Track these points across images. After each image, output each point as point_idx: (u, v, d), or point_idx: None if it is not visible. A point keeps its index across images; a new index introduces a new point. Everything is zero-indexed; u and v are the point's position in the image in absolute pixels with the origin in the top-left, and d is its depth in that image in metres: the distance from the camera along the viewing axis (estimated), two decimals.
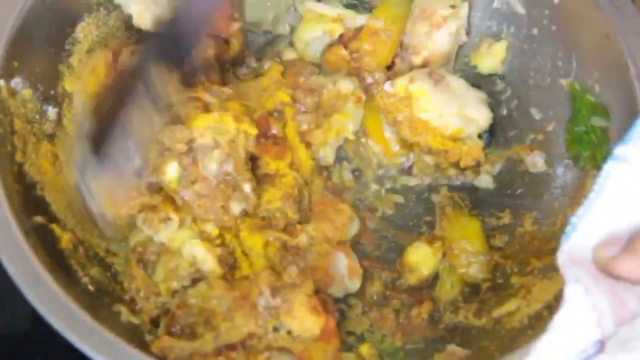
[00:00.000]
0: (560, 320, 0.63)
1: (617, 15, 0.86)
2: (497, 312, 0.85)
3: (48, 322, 0.70)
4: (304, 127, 0.97)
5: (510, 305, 0.84)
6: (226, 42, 1.02)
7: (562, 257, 0.66)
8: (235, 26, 1.03)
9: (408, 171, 1.04)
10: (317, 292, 0.81)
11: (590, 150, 0.89)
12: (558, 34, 0.96)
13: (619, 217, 0.65)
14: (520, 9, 1.01)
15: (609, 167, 0.66)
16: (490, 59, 1.05)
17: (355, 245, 0.96)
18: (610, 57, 0.86)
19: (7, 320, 0.99)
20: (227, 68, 1.04)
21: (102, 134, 0.83)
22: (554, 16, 0.96)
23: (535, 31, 1.00)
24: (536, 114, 0.99)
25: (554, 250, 0.68)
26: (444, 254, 0.94)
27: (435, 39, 1.03)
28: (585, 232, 0.65)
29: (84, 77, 0.91)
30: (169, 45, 0.85)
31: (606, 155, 0.84)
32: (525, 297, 0.84)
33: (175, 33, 0.86)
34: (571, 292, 0.64)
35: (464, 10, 1.04)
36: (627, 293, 0.63)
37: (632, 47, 0.84)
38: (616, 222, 0.65)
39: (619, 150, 0.66)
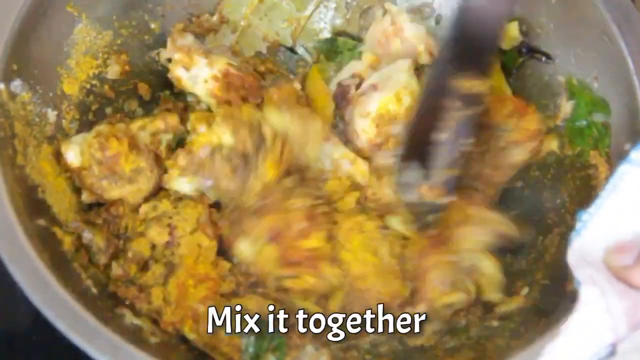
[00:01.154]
0: (574, 322, 0.64)
1: (614, 12, 0.86)
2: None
3: (54, 325, 0.71)
4: None
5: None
6: None
7: (573, 255, 0.66)
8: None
9: None
10: None
11: (593, 144, 0.89)
12: (556, 31, 0.96)
13: (631, 221, 0.65)
14: (516, 8, 1.01)
15: (623, 169, 0.66)
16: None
17: None
18: (609, 55, 0.87)
19: (7, 320, 0.99)
20: None
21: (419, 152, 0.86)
22: (551, 14, 0.96)
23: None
24: None
25: None
26: None
27: None
28: (596, 231, 0.66)
29: None
30: (469, 51, 0.85)
31: (608, 147, 0.86)
32: None
33: (474, 38, 0.84)
34: (587, 294, 0.64)
35: None
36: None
37: (630, 44, 0.84)
38: (629, 226, 0.65)
39: (634, 154, 0.66)
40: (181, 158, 0.89)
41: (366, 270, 0.89)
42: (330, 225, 0.90)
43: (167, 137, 0.95)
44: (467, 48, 0.84)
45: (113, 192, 0.89)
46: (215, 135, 0.89)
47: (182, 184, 0.90)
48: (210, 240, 0.88)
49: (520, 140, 0.93)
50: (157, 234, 0.87)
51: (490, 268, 0.89)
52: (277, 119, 0.90)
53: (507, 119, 0.93)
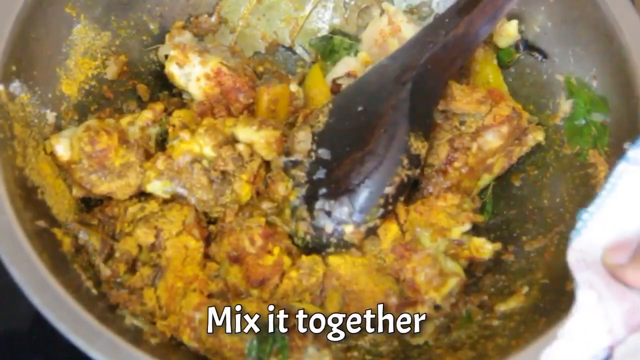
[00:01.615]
0: (571, 326, 0.64)
1: (613, 11, 0.86)
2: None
3: (55, 327, 0.70)
4: None
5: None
6: None
7: (574, 255, 0.66)
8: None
9: None
10: None
11: (592, 143, 0.90)
12: (554, 30, 0.96)
13: (629, 219, 0.65)
14: (514, 6, 1.01)
15: (620, 167, 0.66)
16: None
17: None
18: (607, 53, 0.87)
19: (7, 320, 0.99)
20: None
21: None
22: (550, 13, 0.96)
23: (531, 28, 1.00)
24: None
25: None
26: None
27: None
28: (596, 230, 0.66)
29: None
30: (418, 105, 0.89)
31: (607, 146, 0.87)
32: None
33: (423, 92, 0.90)
34: (584, 299, 0.64)
35: None
36: (639, 298, 0.64)
37: (629, 43, 0.84)
38: (626, 224, 0.65)
39: (631, 153, 0.66)
40: (160, 162, 0.89)
41: (356, 271, 0.89)
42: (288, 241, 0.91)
43: (155, 131, 0.94)
44: (419, 103, 0.89)
45: (102, 186, 0.88)
46: (197, 145, 0.89)
47: (155, 187, 0.90)
48: (197, 241, 0.88)
49: (491, 125, 0.93)
50: (144, 234, 0.87)
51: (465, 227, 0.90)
52: (244, 134, 0.91)
53: (479, 105, 0.93)
